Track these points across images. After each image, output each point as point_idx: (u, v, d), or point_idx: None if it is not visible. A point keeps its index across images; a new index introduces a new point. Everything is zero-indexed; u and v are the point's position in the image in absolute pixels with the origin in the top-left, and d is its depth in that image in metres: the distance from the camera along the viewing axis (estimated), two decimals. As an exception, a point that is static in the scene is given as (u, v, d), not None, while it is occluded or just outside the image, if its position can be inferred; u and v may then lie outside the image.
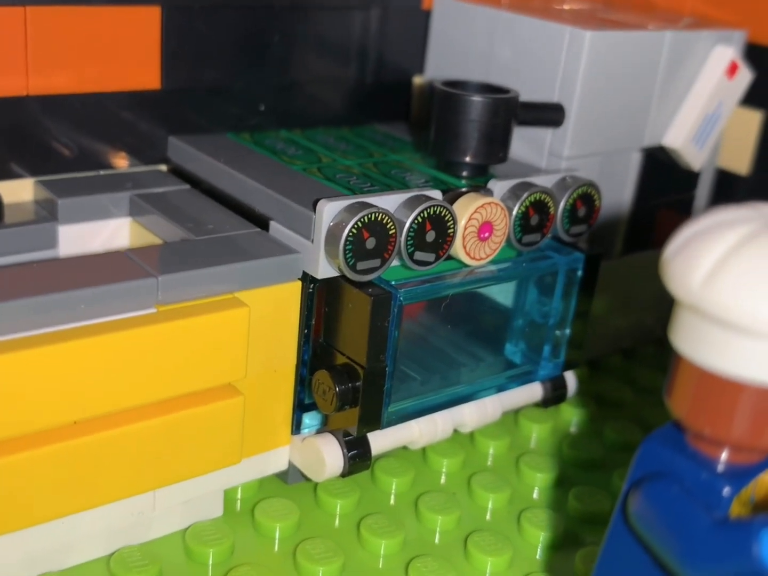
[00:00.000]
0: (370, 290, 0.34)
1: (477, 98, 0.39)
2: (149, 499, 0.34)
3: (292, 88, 0.45)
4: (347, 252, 0.33)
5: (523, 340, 0.41)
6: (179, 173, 0.41)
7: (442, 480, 0.40)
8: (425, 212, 0.35)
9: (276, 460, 0.37)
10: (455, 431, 0.41)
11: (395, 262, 0.36)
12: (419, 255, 0.35)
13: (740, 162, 0.51)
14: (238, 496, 0.37)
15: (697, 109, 0.46)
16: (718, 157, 0.51)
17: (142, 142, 0.41)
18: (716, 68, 0.46)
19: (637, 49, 0.43)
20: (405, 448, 0.40)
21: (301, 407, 0.37)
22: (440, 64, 0.48)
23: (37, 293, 0.29)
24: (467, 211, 0.36)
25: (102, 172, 0.40)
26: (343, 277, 0.34)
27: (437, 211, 0.35)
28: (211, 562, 0.34)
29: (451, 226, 0.36)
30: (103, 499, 0.32)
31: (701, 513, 0.23)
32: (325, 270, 0.34)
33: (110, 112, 0.40)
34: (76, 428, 0.30)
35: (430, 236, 0.35)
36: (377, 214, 0.34)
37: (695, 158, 0.47)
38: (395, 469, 0.39)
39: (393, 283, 0.35)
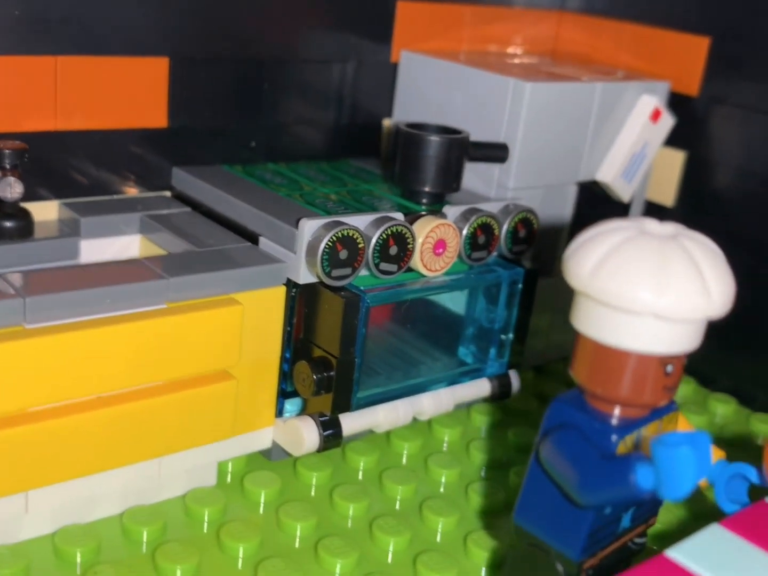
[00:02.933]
0: (342, 293, 0.41)
1: (434, 138, 0.46)
2: (156, 466, 0.40)
3: (279, 128, 0.53)
4: (324, 261, 0.40)
5: (473, 342, 0.49)
6: (182, 198, 0.48)
7: (404, 460, 0.47)
8: (389, 230, 0.42)
9: (262, 439, 0.44)
10: (415, 419, 0.47)
11: (364, 272, 0.43)
12: (384, 266, 0.43)
13: (666, 195, 0.59)
14: (229, 469, 0.44)
15: (625, 148, 0.54)
16: (647, 191, 0.59)
17: (149, 172, 0.48)
18: (642, 114, 0.54)
19: (572, 97, 0.51)
20: (371, 431, 0.46)
21: (283, 394, 0.44)
22: (405, 109, 0.56)
23: (74, 288, 0.36)
24: (424, 230, 0.44)
25: (116, 197, 0.47)
26: (320, 282, 0.42)
27: (399, 230, 0.43)
28: (206, 519, 0.40)
29: (411, 242, 0.43)
30: (119, 462, 0.38)
31: (593, 451, 0.30)
32: (305, 276, 0.41)
33: (123, 146, 0.47)
34: (98, 401, 0.37)
35: (393, 250, 0.43)
36: (349, 231, 0.41)
37: (624, 191, 0.55)
38: (363, 449, 0.46)
39: (362, 288, 0.42)
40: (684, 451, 0.27)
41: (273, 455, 0.45)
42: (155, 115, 0.47)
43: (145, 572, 0.37)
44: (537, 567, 0.33)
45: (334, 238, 0.40)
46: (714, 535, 0.30)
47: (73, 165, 0.46)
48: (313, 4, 0.52)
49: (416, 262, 0.44)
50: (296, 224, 0.41)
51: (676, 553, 0.28)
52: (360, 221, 0.42)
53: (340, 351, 0.41)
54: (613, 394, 0.31)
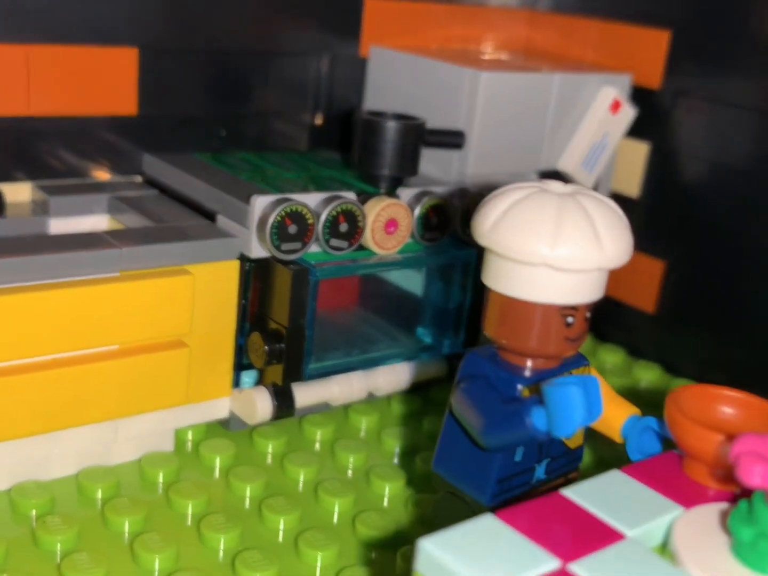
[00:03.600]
0: (292, 267, 0.43)
1: (389, 123, 0.48)
2: (113, 429, 0.42)
3: (250, 118, 0.55)
4: (273, 235, 0.42)
5: (430, 320, 0.50)
6: (152, 183, 0.51)
7: (361, 434, 0.49)
8: (339, 208, 0.44)
9: (219, 408, 0.46)
10: (372, 395, 0.49)
11: (318, 249, 0.45)
12: (334, 242, 0.45)
13: (631, 186, 0.60)
14: (189, 438, 0.46)
15: (586, 138, 0.56)
16: (612, 182, 0.60)
17: (121, 157, 0.51)
18: (602, 105, 0.56)
19: (529, 88, 0.53)
20: (327, 405, 0.48)
21: (240, 366, 0.46)
22: (375, 101, 0.58)
23: (31, 254, 0.38)
24: (375, 209, 0.46)
25: (88, 180, 0.50)
26: (272, 257, 0.44)
27: (349, 208, 0.45)
28: (160, 481, 0.42)
29: (361, 220, 0.45)
30: (72, 422, 0.40)
31: (496, 396, 0.32)
32: (257, 251, 0.43)
33: (95, 132, 0.50)
34: (53, 362, 0.39)
35: (344, 227, 0.45)
36: (298, 207, 0.43)
37: (586, 180, 0.57)
38: (320, 421, 0.48)
39: (313, 263, 0.44)
40: (571, 390, 0.29)
41: (231, 425, 0.47)
42: (125, 103, 0.50)
43: (94, 525, 0.39)
44: (455, 513, 0.34)
45: (283, 213, 0.43)
46: (612, 478, 0.31)
47: (46, 149, 0.48)
48: (283, -1, 0.54)
49: (368, 240, 0.46)
50: (248, 201, 0.43)
51: (571, 492, 0.30)
52: (310, 199, 0.44)
53: (290, 322, 0.43)
54: (519, 345, 0.33)
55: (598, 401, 0.30)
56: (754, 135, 0.55)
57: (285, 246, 0.43)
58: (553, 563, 0.26)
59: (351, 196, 0.45)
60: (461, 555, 0.26)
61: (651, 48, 0.58)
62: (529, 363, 0.33)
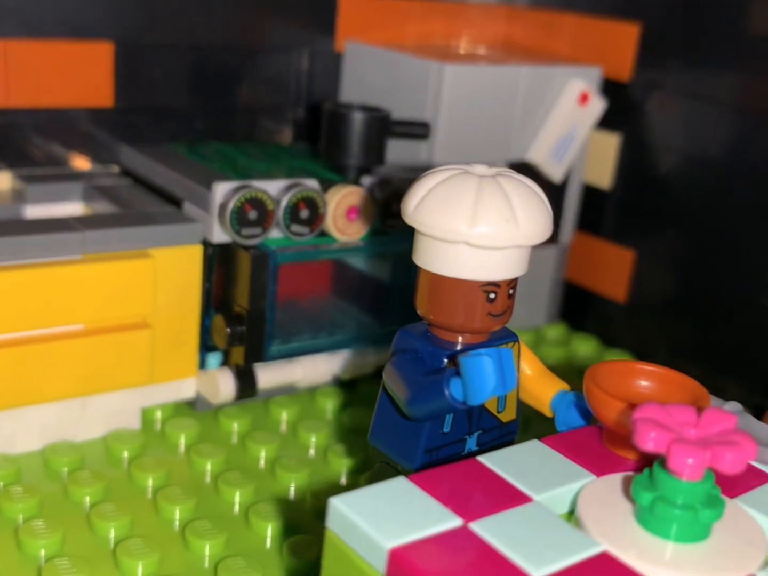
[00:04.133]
0: (252, 251, 0.45)
1: (354, 115, 0.50)
2: (80, 406, 0.44)
3: (226, 110, 0.57)
4: (233, 221, 0.44)
5: (395, 305, 0.52)
6: (127, 173, 0.52)
7: (327, 416, 0.50)
8: (299, 194, 0.46)
9: (185, 389, 0.47)
10: (339, 379, 0.51)
11: (280, 234, 0.46)
12: (295, 227, 0.46)
13: (603, 178, 0.61)
14: (158, 417, 0.48)
15: (554, 130, 0.57)
16: (584, 174, 0.61)
17: (98, 148, 0.53)
18: (569, 97, 0.57)
19: (496, 80, 0.54)
20: (293, 387, 0.50)
21: (206, 348, 0.47)
22: (351, 95, 0.59)
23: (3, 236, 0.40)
24: (336, 196, 0.47)
25: (65, 170, 0.52)
26: (233, 242, 0.45)
27: (309, 195, 0.46)
28: (124, 456, 0.44)
29: (322, 207, 0.47)
30: (38, 398, 0.42)
31: (421, 368, 0.33)
32: (219, 236, 0.45)
33: (73, 123, 0.52)
34: (19, 339, 0.41)
35: (304, 213, 0.46)
36: (257, 193, 0.45)
37: (555, 171, 0.58)
38: (285, 403, 0.50)
39: (274, 248, 0.46)
40: (483, 360, 0.30)
41: (198, 405, 0.48)
42: (102, 96, 0.52)
43: (56, 496, 0.41)
44: (389, 484, 0.36)
45: (243, 199, 0.44)
46: (530, 447, 0.33)
47: (25, 140, 0.50)
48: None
49: (329, 226, 0.47)
50: (210, 188, 0.45)
51: (486, 458, 0.31)
52: (271, 185, 0.46)
53: (251, 305, 0.45)
54: (446, 320, 0.34)
55: (512, 372, 0.31)
56: (723, 127, 0.56)
57: (245, 231, 0.45)
58: (455, 522, 0.28)
59: (312, 183, 0.47)
60: (366, 512, 0.27)
61: (621, 41, 0.59)
62: (459, 338, 0.34)
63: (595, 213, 0.62)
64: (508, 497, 0.29)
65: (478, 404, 0.31)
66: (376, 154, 0.51)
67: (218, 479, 0.42)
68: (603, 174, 0.61)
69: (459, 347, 0.34)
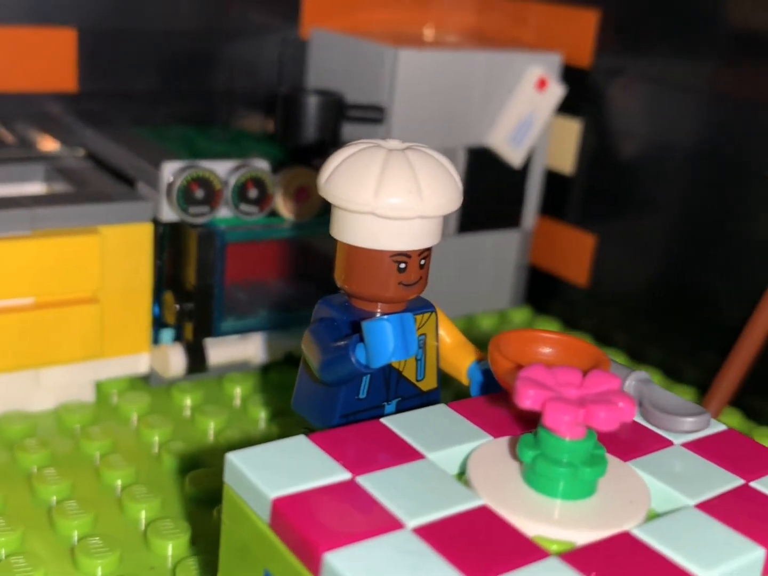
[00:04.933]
0: (200, 230, 0.46)
1: (307, 98, 0.51)
2: (34, 378, 0.46)
3: (189, 95, 0.58)
4: (179, 199, 0.46)
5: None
6: (91, 155, 0.54)
7: (279, 390, 0.52)
8: (247, 174, 0.47)
9: (139, 363, 0.49)
10: (292, 355, 0.52)
11: (231, 214, 0.48)
12: (244, 207, 0.48)
13: (565, 163, 0.62)
14: (114, 391, 0.49)
15: (512, 115, 0.58)
16: (547, 159, 0.62)
17: (64, 131, 0.54)
18: (528, 83, 0.58)
19: (452, 66, 0.55)
20: (247, 363, 0.51)
21: (158, 324, 0.49)
22: (317, 80, 0.61)
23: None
24: (285, 177, 0.48)
25: (32, 152, 0.53)
26: (182, 220, 0.47)
27: (258, 175, 0.47)
28: (75, 426, 0.46)
29: (271, 187, 0.48)
30: (-9, 369, 0.44)
31: (333, 335, 0.34)
32: (167, 214, 0.47)
33: (39, 108, 0.53)
34: (-29, 312, 0.43)
35: (253, 193, 0.48)
36: (204, 173, 0.46)
37: (514, 156, 0.59)
38: (238, 379, 0.51)
39: (223, 227, 0.47)
40: (383, 324, 0.31)
41: (152, 380, 0.50)
42: (66, 80, 0.53)
43: (4, 462, 0.42)
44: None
45: (189, 178, 0.46)
46: (435, 411, 0.34)
47: (-7, 123, 0.52)
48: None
49: (279, 206, 0.49)
50: (160, 167, 0.46)
51: (388, 420, 0.33)
52: (220, 165, 0.47)
53: (198, 282, 0.47)
54: (360, 290, 0.35)
55: (413, 338, 0.32)
56: (682, 112, 0.56)
57: (192, 210, 0.46)
58: (344, 476, 0.29)
59: (261, 164, 0.48)
60: (257, 466, 0.29)
61: (582, 29, 0.60)
62: (378, 308, 0.36)
63: (558, 198, 0.63)
64: (402, 455, 0.31)
65: (380, 366, 0.32)
66: (329, 136, 0.52)
67: (161, 449, 0.44)
68: (565, 159, 0.62)
69: (378, 316, 0.36)
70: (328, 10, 0.61)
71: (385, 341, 0.31)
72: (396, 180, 0.33)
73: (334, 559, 0.25)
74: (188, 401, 0.49)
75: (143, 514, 0.39)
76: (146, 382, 0.50)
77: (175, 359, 0.48)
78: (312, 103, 0.51)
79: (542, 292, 0.65)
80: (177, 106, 0.58)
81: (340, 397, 0.35)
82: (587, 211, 0.62)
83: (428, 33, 0.65)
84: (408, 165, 0.33)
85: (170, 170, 0.46)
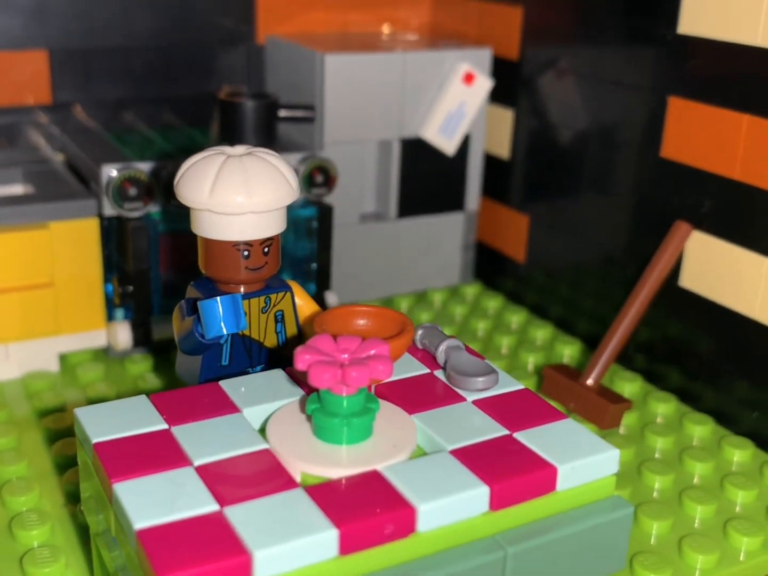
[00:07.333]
0: (134, 223, 0.54)
1: (242, 101, 0.58)
2: (3, 351, 0.54)
3: (157, 102, 0.66)
4: (114, 196, 0.53)
5: (288, 269, 0.60)
6: (67, 160, 0.62)
7: (223, 362, 0.59)
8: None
9: (96, 338, 0.57)
10: (235, 330, 0.59)
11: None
12: (176, 202, 0.55)
13: (502, 149, 0.67)
14: (74, 361, 0.57)
15: (442, 109, 0.63)
16: (486, 145, 0.68)
17: (45, 138, 0.63)
18: (455, 77, 0.63)
19: (378, 67, 0.61)
20: (192, 337, 0.59)
21: (111, 304, 0.57)
22: (272, 85, 0.67)
23: None
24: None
25: (14, 156, 0.62)
26: (119, 215, 0.54)
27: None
28: (37, 390, 0.54)
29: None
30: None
31: (188, 312, 0.41)
32: (108, 210, 0.54)
33: (20, 119, 0.62)
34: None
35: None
36: (136, 173, 0.53)
37: (446, 146, 0.64)
38: (185, 351, 0.59)
39: (157, 219, 0.55)
40: (211, 302, 0.38)
41: (110, 353, 0.58)
42: (41, 94, 0.62)
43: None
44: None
45: (122, 178, 0.53)
46: (273, 375, 0.40)
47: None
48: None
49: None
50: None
51: (225, 383, 0.39)
52: (151, 165, 0.54)
53: (134, 268, 0.54)
54: (216, 274, 0.42)
55: (241, 314, 0.39)
56: (607, 102, 0.61)
57: (127, 205, 0.54)
58: (161, 426, 0.36)
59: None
60: (91, 418, 0.36)
61: (509, 23, 0.65)
62: (241, 289, 0.42)
63: (497, 181, 0.68)
64: (220, 409, 0.37)
65: (214, 337, 0.39)
66: (265, 138, 0.59)
67: (100, 410, 0.52)
68: (502, 145, 0.67)
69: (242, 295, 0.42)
70: (282, 16, 0.68)
71: (214, 316, 0.38)
72: (227, 182, 0.39)
73: (120, 487, 0.32)
74: (136, 371, 0.57)
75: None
76: (105, 353, 0.58)
77: (122, 334, 0.56)
78: (245, 105, 0.58)
79: (490, 268, 0.70)
80: (147, 111, 0.65)
81: (203, 364, 0.42)
82: (521, 193, 0.67)
83: (384, 32, 0.71)
84: (241, 169, 0.40)
85: (107, 171, 0.53)
